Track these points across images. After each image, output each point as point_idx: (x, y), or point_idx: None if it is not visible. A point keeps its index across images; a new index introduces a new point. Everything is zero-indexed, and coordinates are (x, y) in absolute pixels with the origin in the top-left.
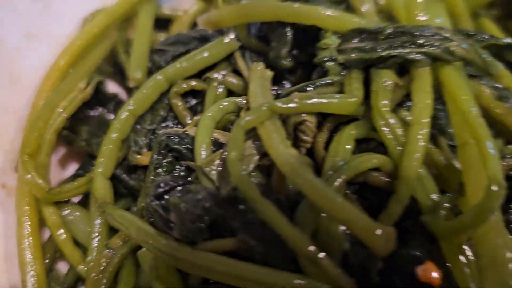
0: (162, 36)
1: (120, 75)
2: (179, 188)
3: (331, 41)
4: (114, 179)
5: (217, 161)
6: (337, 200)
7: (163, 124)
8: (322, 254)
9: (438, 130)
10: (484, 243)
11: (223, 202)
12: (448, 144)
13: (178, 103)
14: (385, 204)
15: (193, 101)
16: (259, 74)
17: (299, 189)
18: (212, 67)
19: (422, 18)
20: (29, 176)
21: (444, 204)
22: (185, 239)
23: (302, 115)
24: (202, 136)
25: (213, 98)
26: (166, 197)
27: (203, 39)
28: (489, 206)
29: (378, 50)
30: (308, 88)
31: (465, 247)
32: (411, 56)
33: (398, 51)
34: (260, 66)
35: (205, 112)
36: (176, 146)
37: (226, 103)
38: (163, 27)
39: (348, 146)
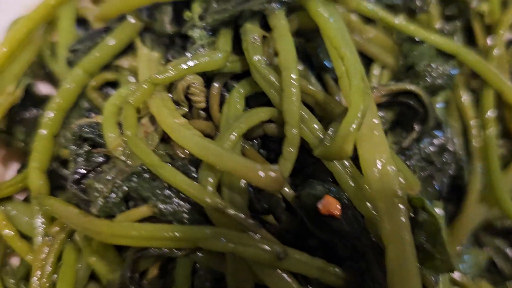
0: None
1: (51, 77)
2: (93, 171)
3: (196, 10)
4: (52, 172)
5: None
6: (219, 152)
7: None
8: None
9: (322, 68)
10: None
11: (131, 176)
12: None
13: (96, 97)
14: None
15: (112, 91)
16: (145, 58)
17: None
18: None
19: None
20: None
21: (328, 132)
22: (103, 214)
23: (187, 78)
24: (107, 122)
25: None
26: (83, 181)
27: (108, 31)
28: (355, 115)
29: (229, 10)
30: (188, 55)
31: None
32: (256, 8)
33: (246, 5)
34: (145, 50)
35: (108, 100)
36: (88, 135)
37: (124, 90)
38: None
39: (239, 106)
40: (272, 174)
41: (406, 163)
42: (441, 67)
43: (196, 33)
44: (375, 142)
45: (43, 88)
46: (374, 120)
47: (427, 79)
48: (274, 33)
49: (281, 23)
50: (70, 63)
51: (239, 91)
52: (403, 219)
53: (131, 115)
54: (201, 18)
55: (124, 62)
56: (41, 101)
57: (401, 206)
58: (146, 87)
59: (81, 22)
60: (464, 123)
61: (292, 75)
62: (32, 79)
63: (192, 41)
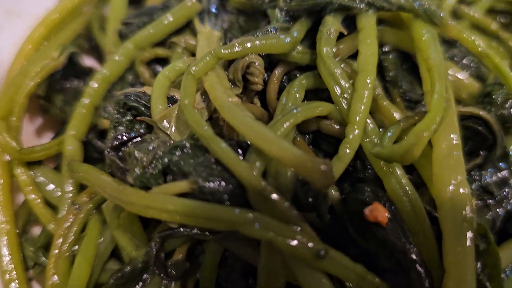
0: None
1: (96, 50)
2: (135, 140)
3: None
4: (87, 144)
5: (174, 115)
6: (271, 136)
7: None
8: (271, 190)
9: (391, 82)
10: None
11: (174, 149)
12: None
13: (144, 70)
14: None
15: (160, 68)
16: (206, 35)
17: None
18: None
19: None
20: (0, 136)
21: (389, 134)
22: (139, 185)
23: (248, 57)
24: (157, 93)
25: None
26: (123, 149)
27: (166, 8)
28: (433, 118)
29: None
30: (257, 35)
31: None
32: (346, 3)
33: None
34: (207, 28)
35: (161, 71)
36: (133, 104)
37: (181, 64)
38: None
39: (298, 95)
40: (324, 167)
41: None
42: None
43: (274, 14)
44: (453, 162)
45: (87, 61)
46: (454, 139)
47: (502, 110)
48: (360, 34)
49: (370, 26)
50: (122, 36)
51: (301, 81)
52: (470, 245)
53: (191, 85)
54: (286, 1)
55: (181, 39)
56: (83, 73)
57: (469, 231)
58: (209, 59)
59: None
60: None
61: (368, 79)
62: (77, 49)
63: (267, 22)
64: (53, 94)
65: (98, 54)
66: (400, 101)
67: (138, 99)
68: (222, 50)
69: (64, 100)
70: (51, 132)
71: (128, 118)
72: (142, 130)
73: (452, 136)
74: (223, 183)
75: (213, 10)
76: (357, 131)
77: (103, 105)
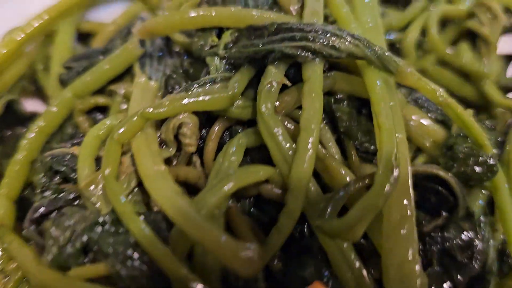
0: None
1: (42, 93)
2: (55, 212)
3: (225, 38)
4: (24, 200)
5: (101, 181)
6: (191, 216)
7: (74, 141)
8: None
9: (345, 134)
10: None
11: (95, 226)
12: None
13: (83, 121)
14: None
15: (101, 117)
16: (141, 87)
17: None
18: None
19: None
20: None
21: (331, 204)
22: (56, 265)
23: (180, 117)
24: (83, 156)
25: (117, 113)
26: (43, 223)
27: (107, 52)
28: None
29: (258, 46)
30: (193, 87)
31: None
32: (288, 51)
33: (277, 45)
34: (143, 78)
35: (89, 131)
36: (60, 168)
37: (109, 121)
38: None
39: (234, 159)
40: (247, 255)
41: (423, 251)
42: (484, 155)
43: (214, 63)
44: (404, 235)
45: (32, 104)
46: (407, 209)
47: (465, 167)
48: (304, 86)
49: (316, 77)
50: (62, 81)
51: (239, 141)
52: None
53: (114, 151)
54: (226, 48)
55: (120, 87)
56: (25, 119)
57: None
58: (135, 121)
59: (83, 37)
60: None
61: (311, 139)
62: (18, 94)
63: (207, 71)
64: None
65: (43, 97)
66: (355, 154)
67: (65, 162)
68: (149, 111)
69: (2, 151)
70: None
71: (56, 181)
72: (71, 196)
73: (405, 203)
74: (144, 268)
75: (156, 53)
76: (297, 200)
77: (40, 158)
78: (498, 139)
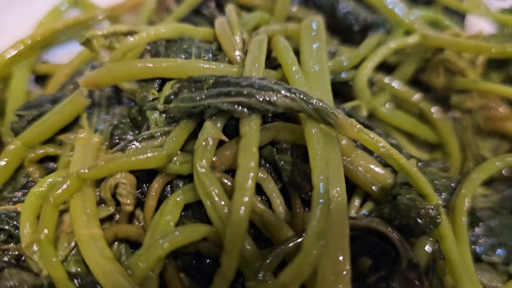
0: None
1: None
2: None
3: (166, 90)
4: None
5: None
6: (122, 284)
7: (26, 191)
8: None
9: (289, 182)
10: None
11: None
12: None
13: (34, 171)
14: None
15: (53, 165)
16: (83, 143)
17: None
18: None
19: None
20: None
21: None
22: None
23: (117, 176)
24: (25, 215)
25: (65, 164)
26: None
27: (56, 100)
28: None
29: (195, 100)
30: (132, 144)
31: None
32: (225, 107)
33: (213, 100)
34: (84, 132)
35: (31, 190)
36: (3, 226)
37: (51, 179)
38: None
39: (169, 218)
40: None
41: None
42: (426, 207)
43: (154, 117)
44: None
45: None
46: (343, 267)
47: (408, 220)
48: (240, 143)
49: (251, 133)
50: (14, 129)
51: (176, 199)
52: None
53: (50, 215)
54: (167, 101)
55: (68, 137)
56: None
57: None
58: (71, 182)
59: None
60: None
61: (245, 199)
62: None
63: (148, 125)
64: None
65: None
66: (299, 204)
67: (9, 220)
68: (85, 171)
69: None
70: None
71: (1, 239)
72: (16, 253)
73: (340, 259)
74: None
75: (105, 102)
76: (232, 262)
77: None
78: (452, 185)
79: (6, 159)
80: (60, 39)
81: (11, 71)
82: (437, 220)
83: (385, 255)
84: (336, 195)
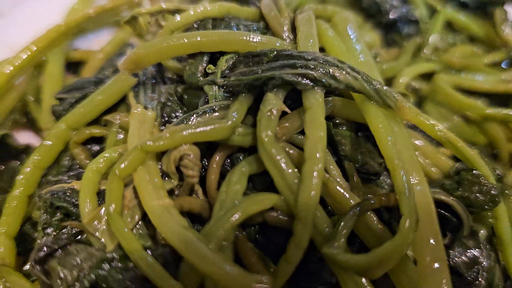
0: None
1: (34, 125)
2: (60, 250)
3: (222, 64)
4: (24, 235)
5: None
6: (200, 250)
7: (71, 173)
8: None
9: (346, 156)
10: None
11: (102, 263)
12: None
13: (80, 152)
14: None
15: (97, 147)
16: (138, 118)
17: None
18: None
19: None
20: None
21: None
22: None
23: (181, 148)
24: (84, 192)
25: (113, 144)
26: (48, 261)
27: (99, 82)
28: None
29: (257, 73)
30: (192, 117)
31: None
32: (289, 78)
33: (277, 72)
34: (139, 108)
35: (88, 165)
36: (61, 204)
37: (108, 154)
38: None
39: (238, 187)
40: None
41: None
42: (488, 185)
43: (212, 91)
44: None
45: (25, 136)
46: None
47: (469, 194)
48: (306, 115)
49: (318, 105)
50: (55, 113)
51: (242, 169)
52: None
53: (116, 188)
54: (224, 76)
55: (115, 117)
56: (18, 152)
57: None
58: (136, 155)
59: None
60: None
61: (316, 167)
62: (10, 128)
63: (206, 98)
64: None
65: (36, 129)
66: (356, 176)
67: (66, 198)
68: (150, 144)
69: None
70: None
71: (57, 217)
72: (74, 231)
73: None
74: None
75: (149, 81)
76: (306, 229)
77: (38, 192)
78: (499, 176)
79: (51, 142)
80: (90, 26)
81: (45, 58)
82: (497, 199)
83: (447, 224)
84: (416, 180)
